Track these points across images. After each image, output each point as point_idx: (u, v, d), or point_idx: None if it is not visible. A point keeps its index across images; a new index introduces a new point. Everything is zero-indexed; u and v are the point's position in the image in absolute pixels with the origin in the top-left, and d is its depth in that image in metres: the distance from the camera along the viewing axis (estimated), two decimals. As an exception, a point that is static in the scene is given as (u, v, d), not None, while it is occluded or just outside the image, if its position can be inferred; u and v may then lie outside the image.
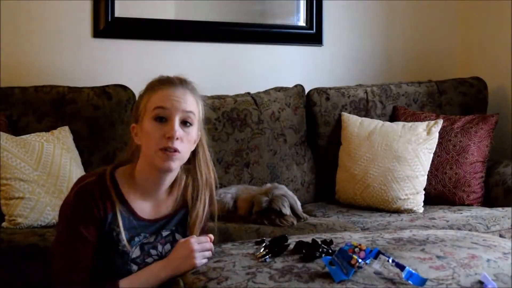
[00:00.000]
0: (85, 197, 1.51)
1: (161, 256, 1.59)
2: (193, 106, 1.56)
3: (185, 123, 1.54)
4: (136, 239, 1.56)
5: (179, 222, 1.64)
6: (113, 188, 1.55)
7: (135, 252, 1.55)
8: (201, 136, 1.63)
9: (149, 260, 1.57)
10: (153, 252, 1.58)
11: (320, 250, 1.49)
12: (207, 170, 1.65)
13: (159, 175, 1.57)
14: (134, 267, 1.55)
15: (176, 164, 1.54)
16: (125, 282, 1.50)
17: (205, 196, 1.65)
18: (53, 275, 1.52)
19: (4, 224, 2.17)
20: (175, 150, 1.50)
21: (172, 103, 1.52)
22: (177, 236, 1.63)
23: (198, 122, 1.59)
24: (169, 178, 1.61)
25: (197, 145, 1.63)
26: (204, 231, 1.66)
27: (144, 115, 1.55)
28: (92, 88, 2.62)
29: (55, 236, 1.58)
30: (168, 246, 1.60)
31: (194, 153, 1.63)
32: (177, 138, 1.50)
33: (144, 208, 1.59)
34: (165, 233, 1.61)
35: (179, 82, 1.58)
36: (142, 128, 1.55)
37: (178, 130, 1.51)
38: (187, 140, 1.54)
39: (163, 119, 1.52)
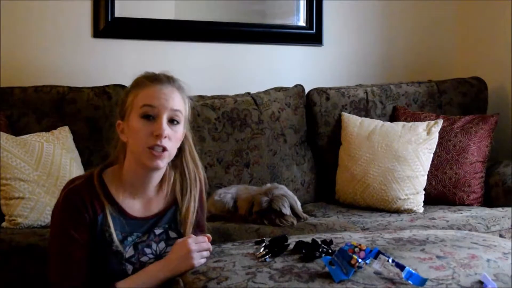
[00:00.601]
0: (74, 199, 1.51)
1: (156, 255, 1.59)
2: (180, 105, 1.56)
3: (172, 121, 1.54)
4: (129, 238, 1.56)
5: (171, 219, 1.64)
6: (101, 189, 1.54)
7: (129, 252, 1.55)
8: (187, 134, 1.63)
9: (144, 259, 1.57)
10: (147, 251, 1.58)
11: (320, 250, 1.49)
12: (195, 166, 1.66)
13: (146, 173, 1.57)
14: (129, 267, 1.55)
15: (164, 163, 1.54)
16: (123, 284, 1.50)
17: (194, 192, 1.64)
18: (50, 278, 1.52)
19: (4, 224, 2.17)
20: (164, 149, 1.51)
21: (160, 101, 1.52)
22: (171, 233, 1.62)
23: (185, 120, 1.59)
24: (157, 176, 1.61)
25: (183, 142, 1.62)
26: (202, 231, 1.67)
27: (131, 112, 1.55)
28: (92, 88, 2.62)
29: (48, 239, 1.58)
30: (162, 244, 1.60)
31: (180, 150, 1.63)
32: (165, 137, 1.50)
33: (134, 206, 1.59)
34: (158, 231, 1.61)
35: (167, 80, 1.57)
36: (129, 125, 1.54)
37: (166, 128, 1.51)
38: (174, 138, 1.55)
39: (150, 117, 1.52)
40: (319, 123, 2.93)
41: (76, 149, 2.46)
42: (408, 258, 1.46)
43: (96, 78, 2.79)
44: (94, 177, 1.56)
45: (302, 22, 3.24)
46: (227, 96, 2.83)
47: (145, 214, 1.61)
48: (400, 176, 2.59)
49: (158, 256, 1.59)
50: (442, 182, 2.73)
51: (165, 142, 1.51)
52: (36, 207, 2.18)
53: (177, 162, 1.64)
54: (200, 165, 1.68)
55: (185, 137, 1.62)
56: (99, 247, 1.52)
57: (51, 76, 2.77)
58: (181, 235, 1.61)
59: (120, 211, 1.56)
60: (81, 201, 1.51)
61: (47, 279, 1.52)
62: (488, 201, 2.75)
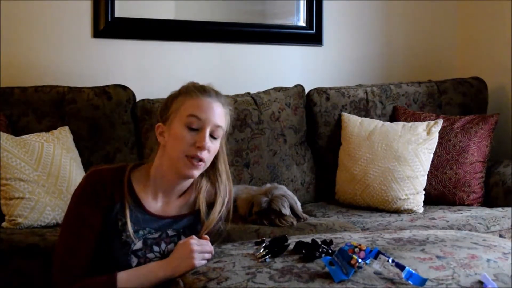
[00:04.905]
0: (95, 181, 1.57)
1: (163, 255, 1.61)
2: (222, 121, 1.62)
3: (212, 135, 1.59)
4: (141, 232, 1.59)
5: (187, 225, 1.66)
6: (127, 182, 1.59)
7: (138, 245, 1.58)
8: (222, 145, 1.67)
9: (150, 255, 1.59)
10: (155, 248, 1.60)
11: (320, 250, 1.49)
12: (227, 178, 1.70)
13: (176, 179, 1.62)
14: (134, 259, 1.56)
15: (198, 173, 1.59)
16: (123, 274, 1.52)
17: (224, 203, 1.67)
18: (55, 257, 1.55)
19: (4, 224, 2.17)
20: (201, 160, 1.56)
21: (207, 115, 1.58)
22: (183, 238, 1.64)
23: (223, 134, 1.65)
24: (185, 184, 1.65)
25: (218, 153, 1.66)
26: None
27: (174, 118, 1.59)
28: (92, 88, 2.62)
29: (63, 219, 1.62)
30: (172, 246, 1.62)
31: (214, 161, 1.67)
32: (205, 149, 1.56)
33: (153, 205, 1.63)
34: (171, 232, 1.63)
35: (215, 94, 1.64)
36: (171, 130, 1.59)
37: (208, 142, 1.57)
38: (211, 151, 1.60)
39: (194, 128, 1.57)
40: (319, 123, 2.93)
41: (76, 149, 2.46)
42: (408, 258, 1.46)
43: (96, 78, 2.79)
44: (126, 170, 1.61)
45: (302, 22, 3.24)
46: (227, 96, 2.82)
47: (161, 214, 1.64)
48: (400, 176, 2.59)
49: (164, 256, 1.60)
50: (442, 182, 2.73)
51: (204, 154, 1.56)
52: (36, 207, 2.18)
53: (210, 172, 1.68)
54: (230, 177, 1.72)
55: (220, 147, 1.66)
56: (108, 235, 1.55)
57: (51, 76, 2.77)
58: None
59: (139, 205, 1.60)
60: (102, 185, 1.56)
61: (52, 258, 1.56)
62: (488, 201, 2.75)
